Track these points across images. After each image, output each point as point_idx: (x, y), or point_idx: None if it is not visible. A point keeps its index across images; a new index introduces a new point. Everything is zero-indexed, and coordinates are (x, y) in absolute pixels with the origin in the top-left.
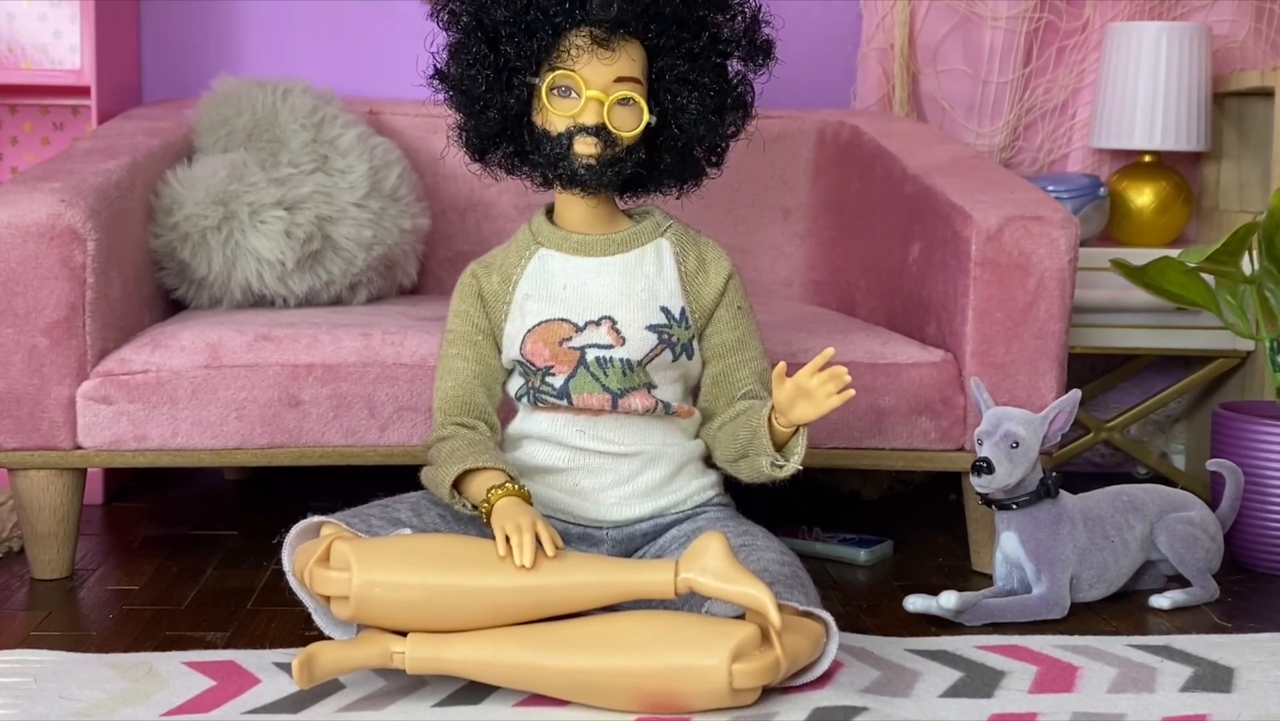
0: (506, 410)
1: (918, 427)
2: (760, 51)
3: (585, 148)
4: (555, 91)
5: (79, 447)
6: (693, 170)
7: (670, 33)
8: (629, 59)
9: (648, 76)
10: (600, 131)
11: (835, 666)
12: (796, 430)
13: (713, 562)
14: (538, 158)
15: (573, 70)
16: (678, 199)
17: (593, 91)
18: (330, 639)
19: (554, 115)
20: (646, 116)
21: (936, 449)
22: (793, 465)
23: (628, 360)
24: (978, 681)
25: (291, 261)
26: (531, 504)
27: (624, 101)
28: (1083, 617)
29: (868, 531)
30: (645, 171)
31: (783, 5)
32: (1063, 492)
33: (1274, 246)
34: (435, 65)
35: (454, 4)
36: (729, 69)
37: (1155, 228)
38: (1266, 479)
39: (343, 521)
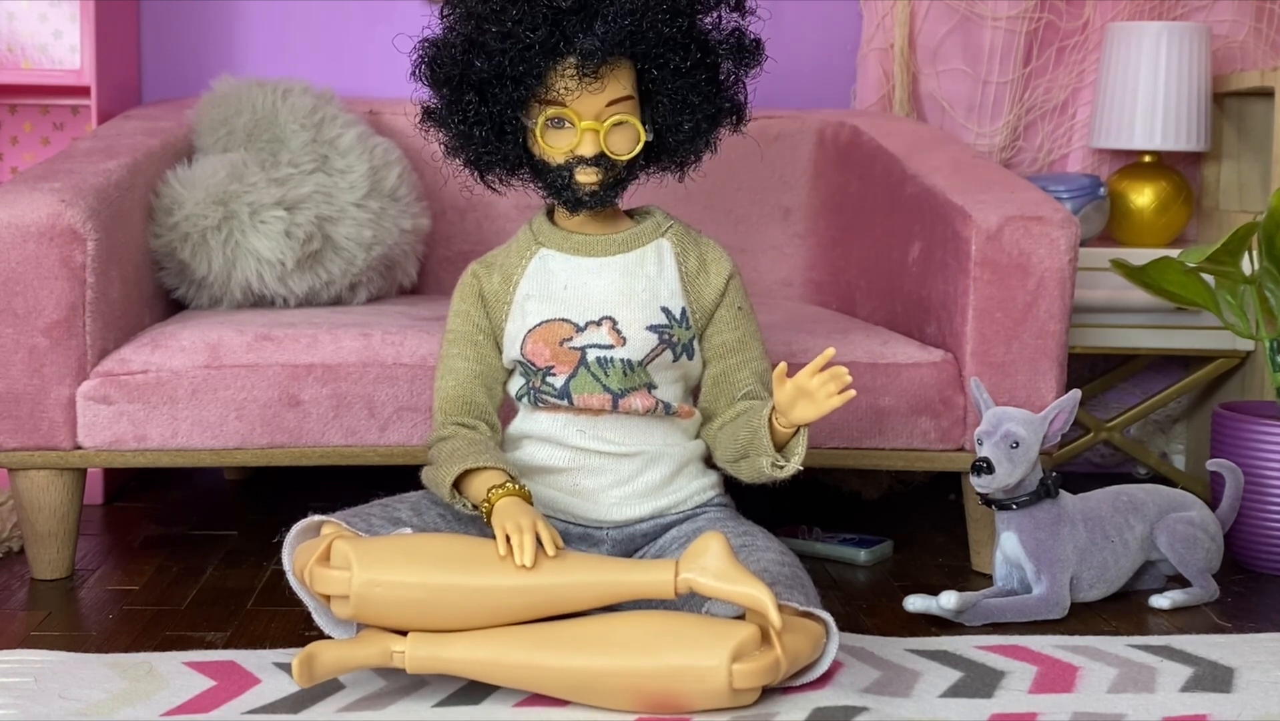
0: (507, 410)
1: (917, 428)
2: (749, 53)
3: (587, 177)
4: (549, 125)
5: (79, 447)
6: (693, 156)
7: (657, 52)
8: (618, 83)
9: (638, 86)
10: (600, 160)
11: (835, 666)
12: (797, 430)
13: (713, 562)
14: (540, 183)
15: (564, 105)
16: (680, 180)
17: (586, 122)
18: (330, 638)
19: (551, 150)
20: (643, 136)
21: (936, 449)
22: (793, 465)
23: (628, 360)
24: (978, 681)
25: (291, 261)
26: (532, 503)
27: (618, 124)
28: (1083, 617)
29: (868, 531)
30: (646, 172)
31: (782, 5)
32: (1063, 492)
33: (1274, 246)
34: (425, 107)
35: (435, 62)
36: (721, 72)
37: (1155, 228)
38: (1266, 479)
39: (343, 520)
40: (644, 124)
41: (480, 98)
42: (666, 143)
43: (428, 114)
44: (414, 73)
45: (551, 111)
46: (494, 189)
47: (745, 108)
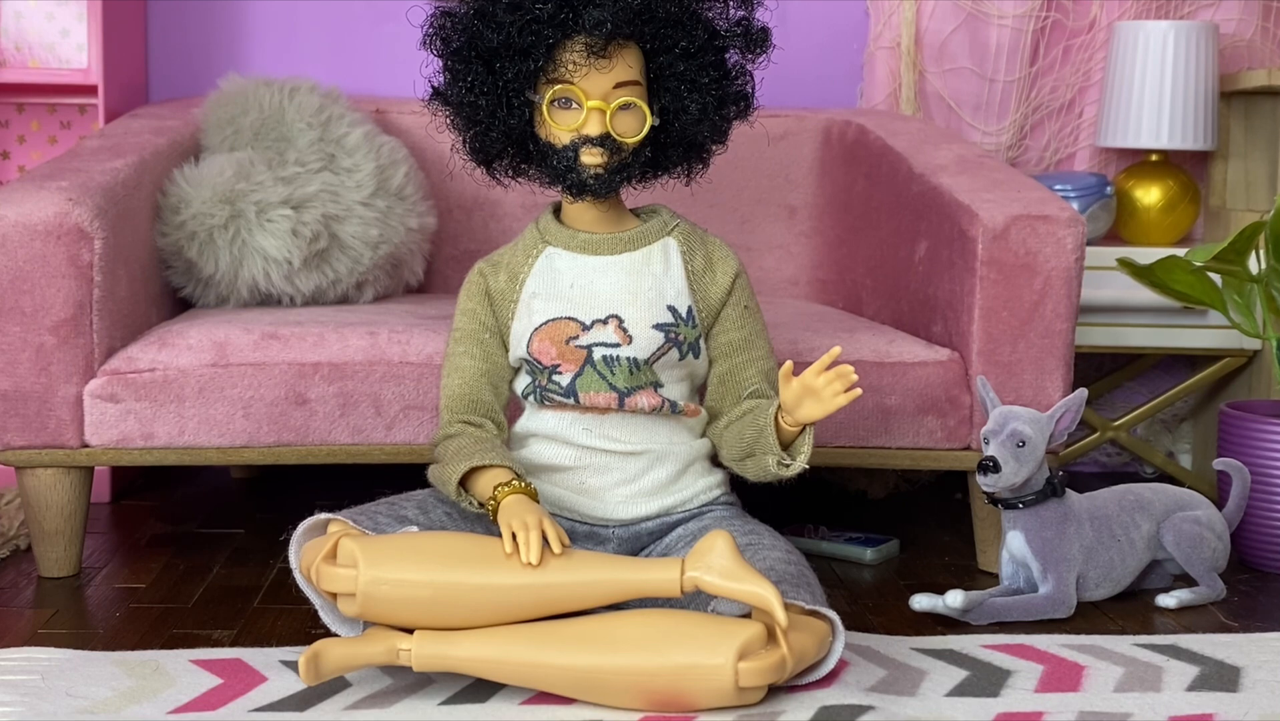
0: (514, 408)
1: (924, 426)
2: (756, 41)
3: (592, 158)
4: (556, 104)
5: (86, 446)
6: (699, 153)
7: (665, 33)
8: (626, 64)
9: (645, 74)
10: (605, 140)
11: (841, 665)
12: (803, 429)
13: (719, 561)
14: (544, 168)
15: (572, 83)
16: (687, 184)
17: (594, 102)
18: (337, 636)
19: (557, 129)
20: (649, 120)
21: (943, 448)
22: (799, 464)
23: (635, 359)
24: (984, 680)
25: (298, 260)
26: (538, 501)
27: (625, 106)
28: (1089, 616)
29: (874, 530)
30: (652, 166)
31: (789, 4)
32: (1069, 491)
33: None
34: (433, 86)
35: (444, 31)
36: (727, 62)
37: (1162, 227)
38: (1273, 478)
39: (349, 519)
40: (651, 111)
41: (488, 70)
42: (674, 129)
43: (436, 93)
44: (424, 41)
45: (559, 89)
46: (499, 180)
47: (752, 97)
